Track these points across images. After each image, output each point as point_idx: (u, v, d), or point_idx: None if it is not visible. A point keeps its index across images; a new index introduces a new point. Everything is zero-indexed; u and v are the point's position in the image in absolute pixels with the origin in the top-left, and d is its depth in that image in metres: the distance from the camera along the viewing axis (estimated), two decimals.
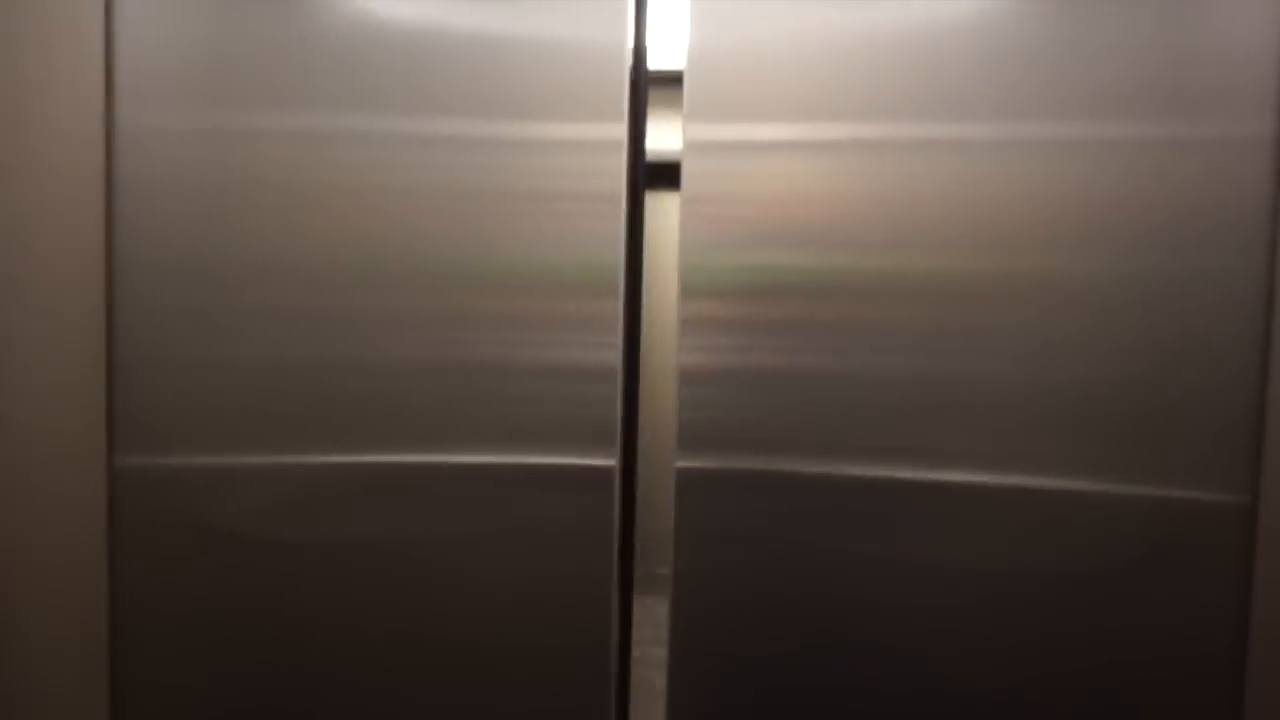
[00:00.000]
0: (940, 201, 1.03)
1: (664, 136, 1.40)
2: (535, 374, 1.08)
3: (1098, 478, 1.04)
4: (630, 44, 1.06)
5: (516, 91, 1.07)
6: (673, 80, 1.12)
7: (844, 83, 1.04)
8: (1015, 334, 1.03)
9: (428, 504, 1.11)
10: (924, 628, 1.07)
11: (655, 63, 1.15)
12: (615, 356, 1.07)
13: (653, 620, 3.23)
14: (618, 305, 1.07)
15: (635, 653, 1.12)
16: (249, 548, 1.13)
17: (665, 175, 1.55)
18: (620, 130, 1.06)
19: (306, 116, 1.10)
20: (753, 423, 1.07)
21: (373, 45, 1.08)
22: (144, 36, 1.10)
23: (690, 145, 1.06)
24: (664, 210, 3.48)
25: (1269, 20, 0.99)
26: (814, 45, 1.04)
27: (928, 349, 1.04)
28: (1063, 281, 1.03)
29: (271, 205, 1.10)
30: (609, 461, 1.08)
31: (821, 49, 1.04)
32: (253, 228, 1.10)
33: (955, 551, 1.06)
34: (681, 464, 1.08)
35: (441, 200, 1.09)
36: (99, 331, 1.12)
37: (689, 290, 1.07)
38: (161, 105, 1.11)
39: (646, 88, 1.13)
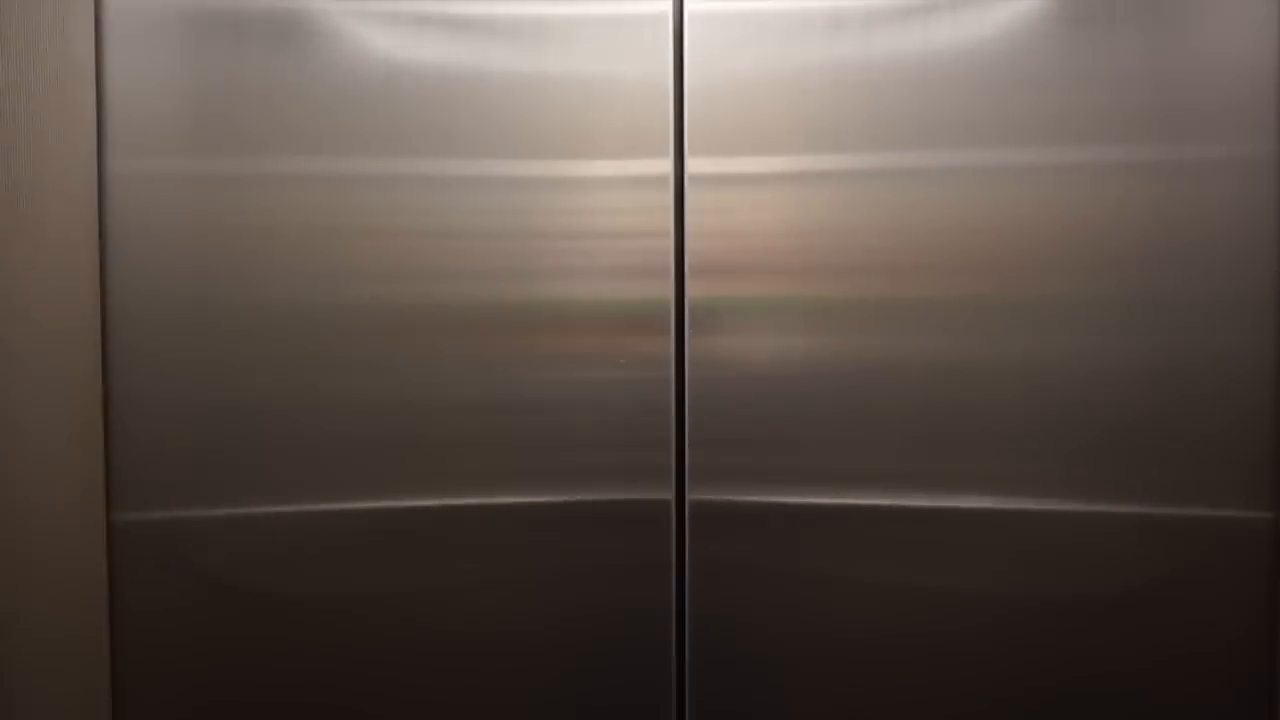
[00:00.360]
0: (948, 229, 1.05)
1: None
2: (587, 411, 1.08)
3: (1116, 500, 1.07)
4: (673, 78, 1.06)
5: (560, 130, 1.07)
6: None
7: (844, 112, 1.05)
8: (1025, 359, 1.06)
9: (469, 550, 1.10)
10: (940, 656, 1.09)
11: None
12: (668, 393, 1.07)
13: None
14: (669, 341, 1.07)
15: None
16: (269, 604, 1.10)
17: None
18: (666, 165, 1.06)
19: (336, 161, 1.08)
20: (763, 454, 1.08)
21: (405, 89, 1.07)
22: (139, 86, 1.07)
23: (694, 180, 1.06)
24: None
25: (1267, 40, 1.03)
26: (813, 76, 1.05)
27: (938, 375, 1.06)
28: (1071, 305, 1.06)
29: (295, 248, 1.08)
30: (664, 495, 1.08)
31: (820, 79, 1.05)
32: (266, 273, 1.08)
33: (970, 579, 1.08)
34: (695, 497, 1.08)
35: (479, 241, 1.08)
36: (95, 388, 1.07)
37: (697, 325, 1.07)
38: (159, 155, 1.08)
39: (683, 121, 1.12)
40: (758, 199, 1.07)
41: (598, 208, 1.07)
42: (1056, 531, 1.08)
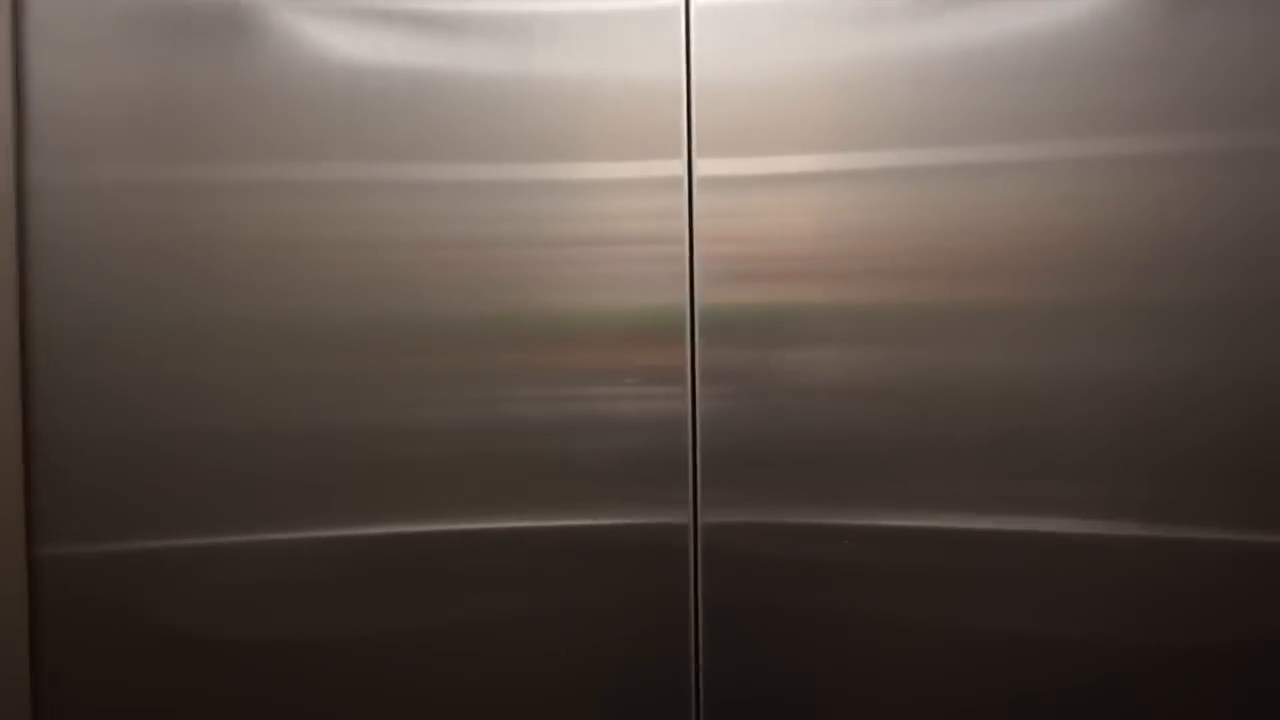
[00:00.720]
0: (995, 229, 1.00)
1: None
2: (598, 429, 1.01)
3: (1178, 522, 1.01)
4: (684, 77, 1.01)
5: (565, 132, 1.00)
6: None
7: (857, 110, 1.01)
8: (1070, 368, 1.00)
9: (456, 581, 1.02)
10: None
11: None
12: (683, 407, 1.01)
13: None
14: (684, 353, 1.01)
15: None
16: (210, 644, 1.02)
17: None
18: (680, 167, 1.00)
19: (307, 168, 1.01)
20: (777, 471, 1.02)
21: (372, 89, 1.00)
22: (68, 87, 0.99)
23: (702, 181, 1.01)
24: None
25: None
26: (823, 73, 1.01)
27: (984, 390, 1.01)
28: (1123, 309, 1.00)
29: (248, 261, 1.01)
30: (681, 520, 1.02)
31: (829, 76, 1.01)
32: (212, 288, 1.01)
33: (1039, 617, 1.02)
34: (707, 519, 1.02)
35: (478, 250, 1.01)
36: (13, 414, 0.99)
37: (706, 334, 1.01)
38: (90, 161, 1.00)
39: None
40: (764, 202, 1.01)
41: (600, 212, 1.01)
42: (1122, 557, 1.01)
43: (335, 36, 1.00)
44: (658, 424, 1.01)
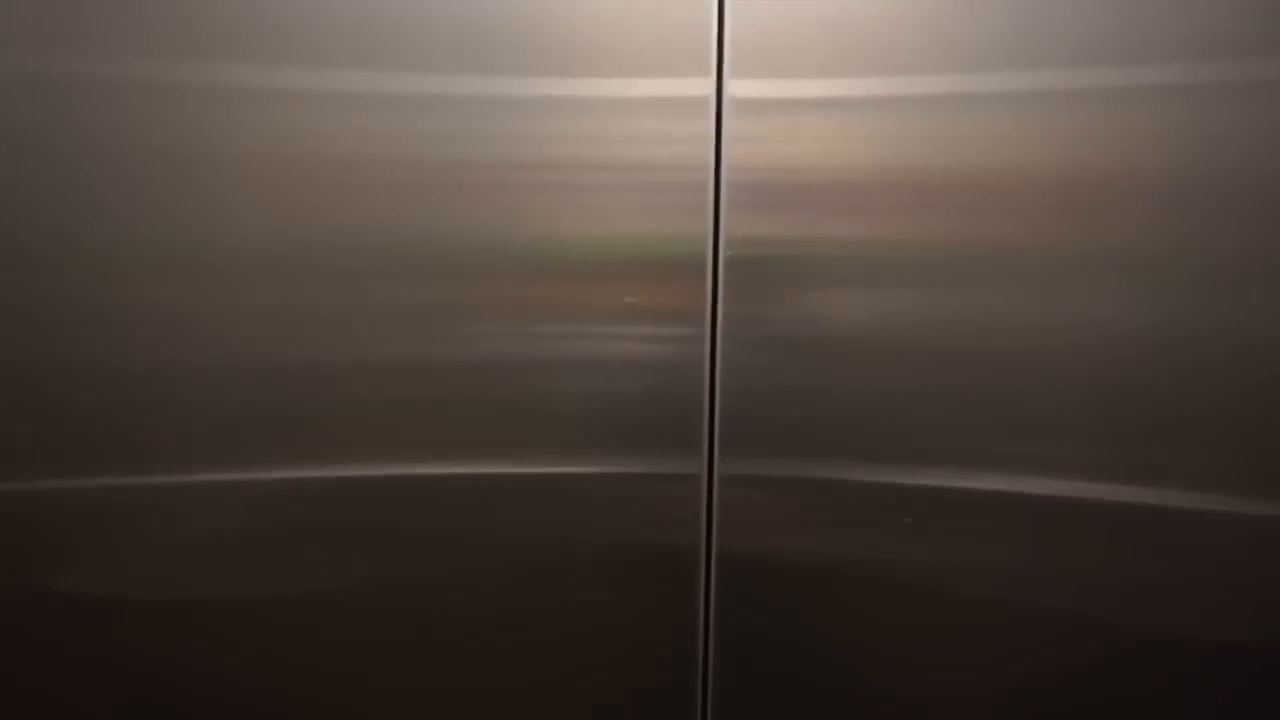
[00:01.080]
0: (1041, 164, 0.90)
1: None
2: (607, 370, 0.92)
3: (1226, 490, 0.93)
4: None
5: (580, 44, 0.90)
6: None
7: (928, 28, 0.90)
8: (1122, 317, 0.91)
9: (423, 537, 0.95)
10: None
11: None
12: (702, 349, 0.92)
13: None
14: (705, 287, 0.92)
15: None
16: (118, 603, 0.94)
17: None
18: (708, 86, 0.90)
19: (266, 74, 0.88)
20: (804, 420, 0.94)
21: None
22: None
23: (734, 104, 0.90)
24: None
25: None
26: None
27: (1018, 332, 0.92)
28: (1185, 255, 0.90)
29: (189, 175, 0.89)
30: (694, 470, 0.93)
31: None
32: (117, 205, 0.89)
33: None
34: (726, 471, 0.94)
35: (468, 173, 0.90)
36: None
37: (732, 274, 0.92)
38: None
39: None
40: (804, 129, 0.91)
41: (612, 135, 0.91)
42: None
43: None
44: (673, 367, 0.93)
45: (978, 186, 0.91)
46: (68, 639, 0.95)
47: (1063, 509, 0.94)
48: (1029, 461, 0.94)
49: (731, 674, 0.97)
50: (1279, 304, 0.90)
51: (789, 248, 0.92)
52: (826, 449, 0.94)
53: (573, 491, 0.94)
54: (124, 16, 0.87)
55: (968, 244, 0.91)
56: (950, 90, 0.90)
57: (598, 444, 0.94)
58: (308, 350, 0.92)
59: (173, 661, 0.95)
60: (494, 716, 0.97)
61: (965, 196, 0.91)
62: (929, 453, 0.94)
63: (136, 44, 0.88)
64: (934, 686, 0.97)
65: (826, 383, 0.93)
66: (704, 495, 0.94)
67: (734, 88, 0.91)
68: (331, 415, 0.93)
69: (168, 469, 0.93)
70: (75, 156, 0.88)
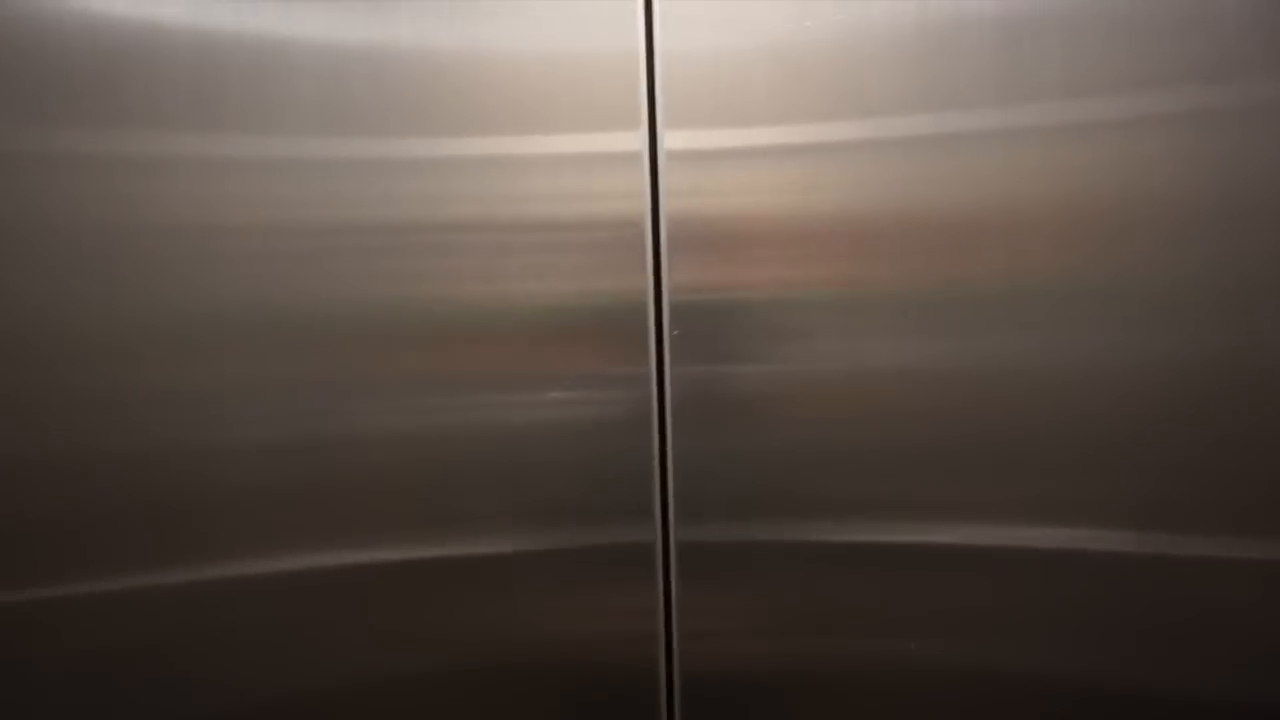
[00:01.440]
0: (984, 205, 0.87)
1: None
2: (550, 438, 0.89)
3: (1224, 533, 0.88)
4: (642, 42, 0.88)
5: (508, 104, 0.88)
6: None
7: (866, 73, 0.87)
8: (1099, 356, 0.87)
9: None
10: None
11: None
12: (649, 409, 0.89)
13: None
14: (648, 347, 0.89)
15: None
16: None
17: None
18: (640, 140, 0.88)
19: (202, 142, 0.85)
20: (758, 480, 0.90)
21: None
22: None
23: (672, 156, 0.88)
24: None
25: None
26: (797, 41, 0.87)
27: (981, 380, 0.88)
28: (1152, 285, 0.86)
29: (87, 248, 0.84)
30: (647, 538, 0.90)
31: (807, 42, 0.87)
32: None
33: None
34: (682, 538, 0.90)
35: (383, 236, 0.87)
36: None
37: (680, 333, 0.89)
38: None
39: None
40: (751, 178, 0.89)
41: (545, 192, 0.88)
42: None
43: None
44: (617, 429, 0.90)
45: (928, 229, 0.88)
46: None
47: (1051, 559, 0.89)
48: (1008, 509, 0.89)
49: None
50: None
51: (736, 301, 0.89)
52: (783, 506, 0.90)
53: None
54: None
55: (923, 288, 0.88)
56: (926, 131, 0.87)
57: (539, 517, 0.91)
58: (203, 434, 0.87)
59: None
60: None
61: (944, 239, 0.88)
62: (887, 505, 0.90)
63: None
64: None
65: (783, 440, 0.90)
66: (659, 559, 0.91)
67: (669, 139, 0.88)
68: (231, 504, 0.87)
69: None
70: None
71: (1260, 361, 0.86)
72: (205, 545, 0.86)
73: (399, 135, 0.87)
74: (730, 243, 0.89)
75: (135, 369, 0.85)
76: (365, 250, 0.87)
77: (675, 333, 0.89)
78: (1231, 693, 0.89)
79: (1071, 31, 0.85)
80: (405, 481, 0.88)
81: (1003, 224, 0.87)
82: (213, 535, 0.86)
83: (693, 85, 0.88)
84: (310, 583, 0.88)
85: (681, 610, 0.91)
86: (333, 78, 0.86)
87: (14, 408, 0.84)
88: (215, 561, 0.87)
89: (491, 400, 0.89)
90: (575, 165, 0.88)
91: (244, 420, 0.86)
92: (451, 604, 0.90)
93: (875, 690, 0.92)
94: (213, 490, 0.86)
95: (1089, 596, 0.89)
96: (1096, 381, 0.87)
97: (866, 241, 0.88)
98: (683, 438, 0.90)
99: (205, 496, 0.86)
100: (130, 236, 0.84)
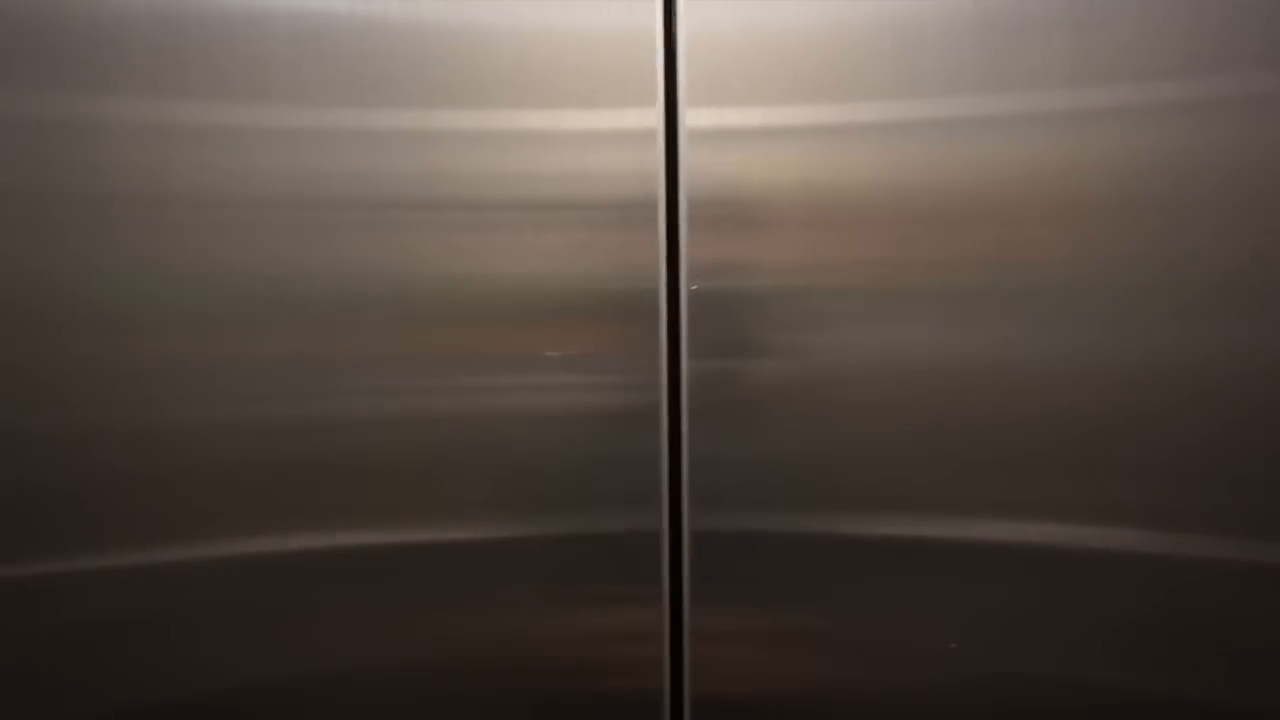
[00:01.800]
0: (1018, 190, 0.84)
1: None
2: (554, 423, 0.87)
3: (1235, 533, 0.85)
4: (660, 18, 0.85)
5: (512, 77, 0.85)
6: None
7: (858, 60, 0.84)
8: (1120, 344, 0.84)
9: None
10: None
11: None
12: (659, 396, 0.86)
13: None
14: (659, 331, 0.86)
15: None
16: None
17: None
18: (655, 116, 0.85)
19: (194, 109, 0.82)
20: (780, 472, 0.87)
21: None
22: None
23: (694, 135, 0.85)
24: None
25: None
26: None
27: (995, 372, 0.85)
28: (1182, 275, 0.83)
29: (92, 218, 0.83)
30: (652, 527, 0.88)
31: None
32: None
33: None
34: (698, 527, 0.88)
35: (394, 213, 0.84)
36: None
37: (698, 317, 0.86)
38: None
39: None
40: (772, 157, 0.86)
41: (553, 171, 0.85)
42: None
43: None
44: (629, 414, 0.87)
45: (956, 217, 0.85)
46: None
47: (1061, 558, 0.86)
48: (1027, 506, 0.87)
49: None
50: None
51: (753, 283, 0.87)
52: (799, 499, 0.88)
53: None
54: None
55: (975, 276, 0.85)
56: (964, 113, 0.84)
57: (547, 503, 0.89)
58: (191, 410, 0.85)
59: None
60: None
61: (982, 225, 0.85)
62: (904, 499, 0.88)
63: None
64: None
65: (801, 429, 0.87)
66: (665, 549, 0.88)
67: (691, 117, 0.86)
68: (221, 480, 0.86)
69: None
70: None
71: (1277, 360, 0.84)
72: (189, 524, 0.85)
73: (393, 107, 0.84)
74: (753, 224, 0.87)
75: (121, 342, 0.83)
76: (360, 226, 0.85)
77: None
78: (1235, 694, 0.86)
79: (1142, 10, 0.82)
80: (418, 464, 0.87)
81: (1045, 211, 0.84)
82: (196, 514, 0.85)
83: (718, 63, 0.85)
84: (304, 563, 0.87)
85: (691, 608, 0.89)
86: (312, 44, 0.83)
87: (7, 379, 0.83)
88: (197, 541, 0.85)
89: (476, 383, 0.87)
90: (587, 142, 0.86)
91: (234, 397, 0.85)
92: (445, 594, 0.89)
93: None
94: (199, 468, 0.85)
95: (1140, 601, 0.86)
96: (1164, 380, 0.85)
97: (898, 226, 0.85)
98: (698, 426, 0.87)
99: (190, 474, 0.85)
100: (124, 206, 0.83)
